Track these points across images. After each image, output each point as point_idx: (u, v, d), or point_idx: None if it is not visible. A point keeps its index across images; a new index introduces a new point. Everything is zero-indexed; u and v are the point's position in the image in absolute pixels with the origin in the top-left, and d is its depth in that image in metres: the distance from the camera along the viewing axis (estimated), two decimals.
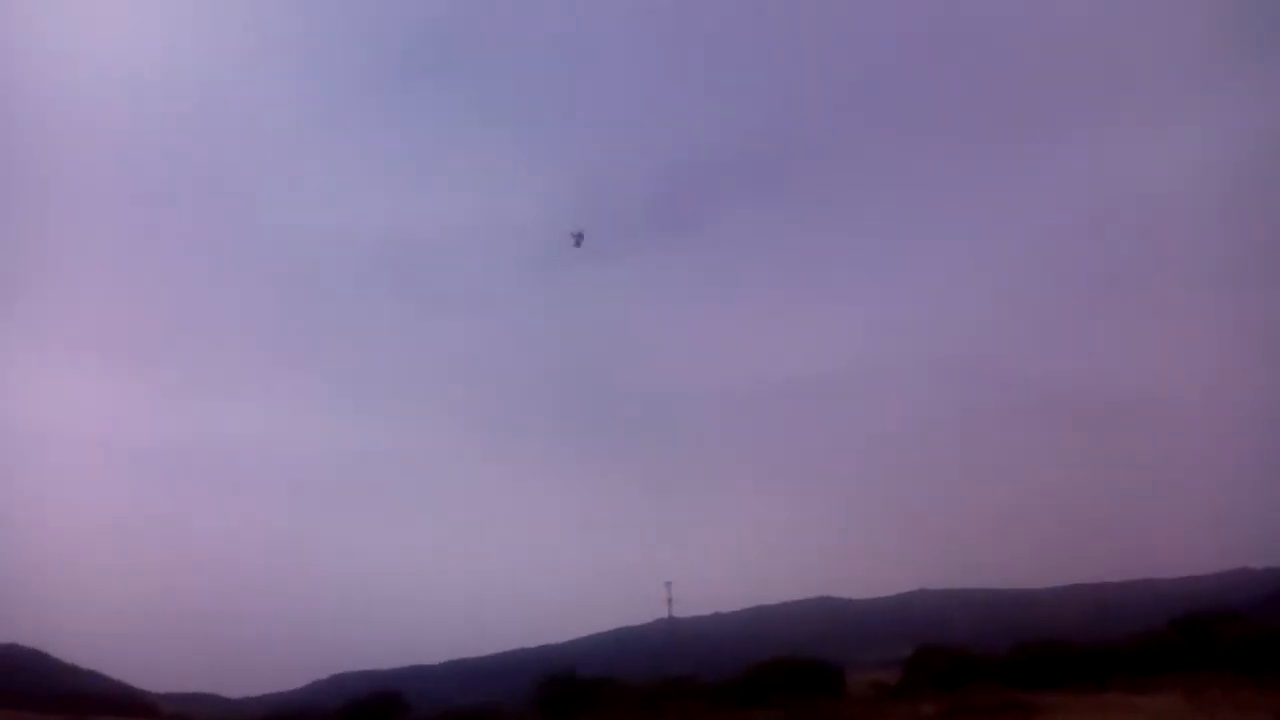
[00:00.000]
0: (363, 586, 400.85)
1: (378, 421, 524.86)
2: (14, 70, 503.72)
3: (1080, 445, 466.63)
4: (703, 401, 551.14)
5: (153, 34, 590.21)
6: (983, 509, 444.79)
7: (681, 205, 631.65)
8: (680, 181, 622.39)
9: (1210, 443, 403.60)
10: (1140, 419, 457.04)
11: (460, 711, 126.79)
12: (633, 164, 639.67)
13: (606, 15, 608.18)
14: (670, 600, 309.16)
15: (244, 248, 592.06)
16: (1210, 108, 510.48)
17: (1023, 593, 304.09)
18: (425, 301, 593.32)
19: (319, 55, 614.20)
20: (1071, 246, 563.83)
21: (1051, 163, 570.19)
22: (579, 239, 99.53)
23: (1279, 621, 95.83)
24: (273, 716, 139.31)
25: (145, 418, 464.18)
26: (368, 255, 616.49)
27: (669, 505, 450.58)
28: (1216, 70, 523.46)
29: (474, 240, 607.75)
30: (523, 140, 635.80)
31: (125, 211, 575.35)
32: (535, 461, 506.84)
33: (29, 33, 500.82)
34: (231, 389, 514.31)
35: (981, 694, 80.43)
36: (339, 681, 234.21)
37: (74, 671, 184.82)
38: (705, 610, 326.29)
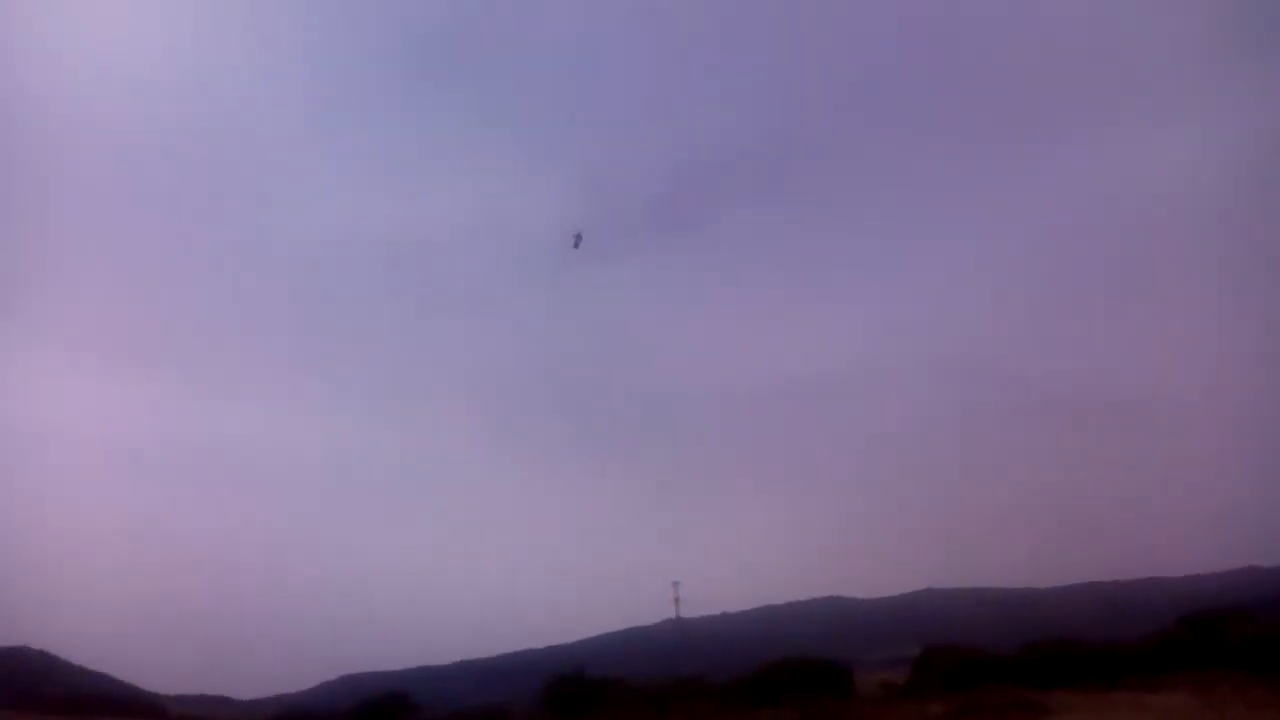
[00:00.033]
0: (371, 587, 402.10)
1: (385, 422, 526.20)
2: (20, 69, 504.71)
3: (1087, 443, 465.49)
4: (709, 401, 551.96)
5: (157, 34, 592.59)
6: (990, 507, 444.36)
7: (684, 206, 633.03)
8: (683, 182, 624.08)
9: (1217, 440, 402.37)
10: (1147, 417, 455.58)
11: (469, 712, 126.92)
12: (636, 164, 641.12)
13: (609, 16, 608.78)
14: (678, 600, 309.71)
15: (247, 248, 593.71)
16: (1211, 108, 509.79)
17: (1031, 591, 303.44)
18: (430, 302, 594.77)
19: (323, 55, 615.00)
20: (1074, 246, 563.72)
21: (1052, 162, 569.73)
22: (578, 240, 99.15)
23: None
24: (282, 717, 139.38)
25: (152, 419, 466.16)
26: (371, 255, 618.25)
27: (676, 505, 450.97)
28: (1217, 70, 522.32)
29: (477, 240, 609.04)
30: (526, 140, 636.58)
31: (129, 211, 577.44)
32: (543, 462, 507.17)
33: (33, 31, 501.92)
34: (240, 390, 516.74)
35: (990, 693, 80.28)
36: (348, 682, 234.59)
37: (82, 673, 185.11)
38: (713, 610, 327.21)
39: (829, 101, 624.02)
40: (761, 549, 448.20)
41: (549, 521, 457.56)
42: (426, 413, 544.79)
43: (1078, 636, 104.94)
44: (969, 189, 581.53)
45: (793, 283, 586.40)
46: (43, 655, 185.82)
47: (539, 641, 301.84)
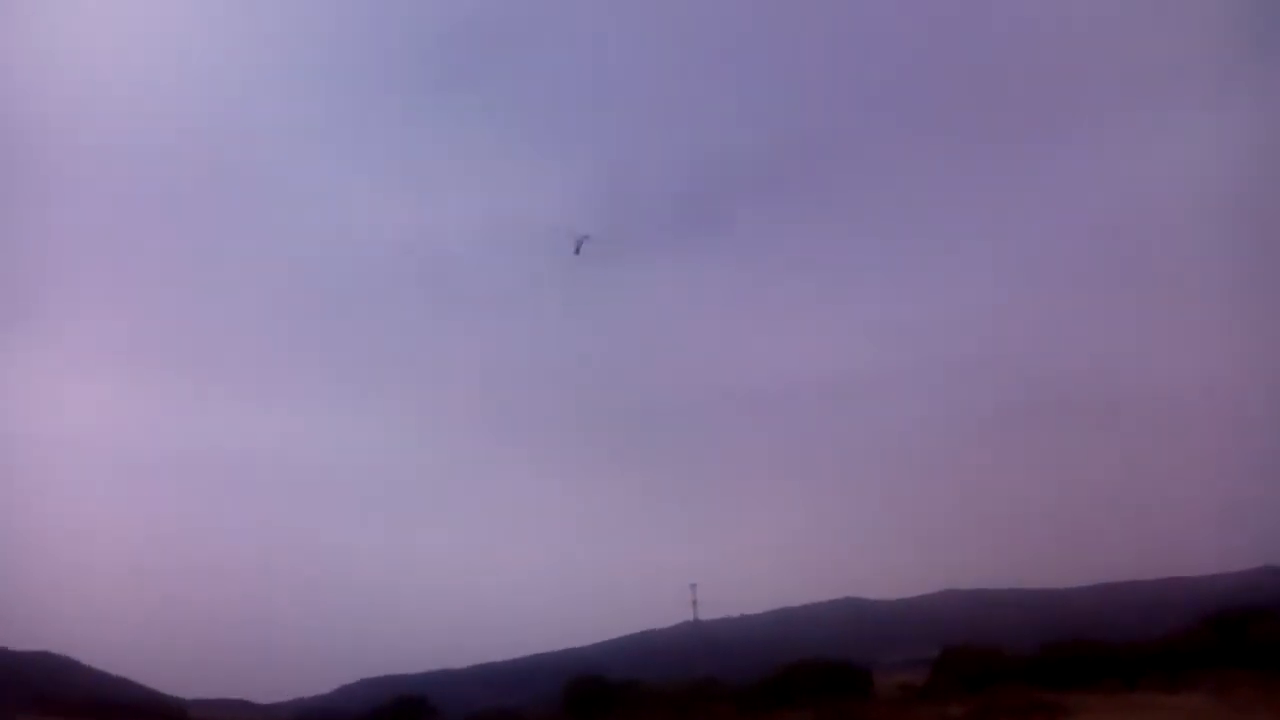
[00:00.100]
0: (389, 591, 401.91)
1: (402, 425, 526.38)
2: (37, 73, 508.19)
3: (1106, 443, 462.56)
4: (725, 402, 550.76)
5: (176, 40, 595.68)
6: (1009, 508, 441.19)
7: (702, 208, 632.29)
8: (700, 184, 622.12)
9: (1236, 440, 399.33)
10: (1166, 416, 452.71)
11: (487, 715, 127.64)
12: (654, 166, 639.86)
13: (627, 19, 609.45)
14: (695, 603, 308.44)
15: (262, 252, 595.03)
16: (1217, 106, 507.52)
17: (1050, 592, 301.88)
18: (448, 304, 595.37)
19: (341, 59, 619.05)
20: (1096, 244, 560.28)
21: (1062, 164, 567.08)
22: (579, 246, 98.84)
23: None
24: None
25: (173, 425, 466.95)
26: (389, 259, 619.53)
27: (693, 507, 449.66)
28: (1223, 68, 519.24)
29: (494, 242, 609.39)
30: (545, 142, 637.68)
31: (144, 216, 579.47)
32: (560, 465, 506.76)
33: (49, 34, 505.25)
34: (261, 395, 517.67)
35: (1009, 695, 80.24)
36: (367, 686, 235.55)
37: (104, 678, 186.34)
38: (730, 613, 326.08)
39: (844, 103, 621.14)
40: (779, 551, 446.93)
41: (566, 524, 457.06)
42: (444, 416, 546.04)
43: (1097, 637, 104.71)
44: (994, 189, 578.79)
45: (811, 283, 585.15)
46: (65, 660, 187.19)
47: (556, 645, 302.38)
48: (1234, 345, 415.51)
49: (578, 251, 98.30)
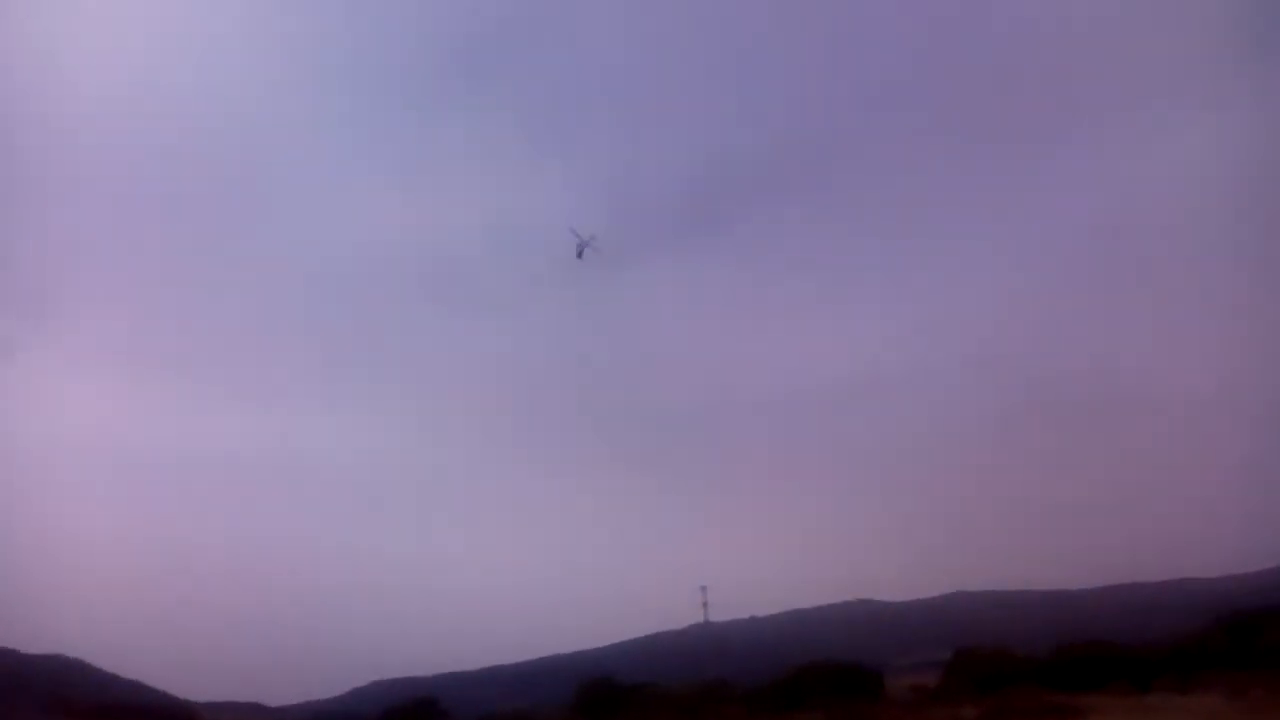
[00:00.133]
0: (401, 593, 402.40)
1: (413, 428, 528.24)
2: (47, 73, 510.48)
3: (1119, 444, 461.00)
4: (736, 404, 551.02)
5: (178, 39, 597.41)
6: (1021, 509, 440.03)
7: (713, 208, 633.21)
8: (710, 183, 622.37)
9: (1250, 440, 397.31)
10: (1180, 417, 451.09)
11: (498, 717, 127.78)
12: (661, 167, 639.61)
13: (634, 20, 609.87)
14: (706, 605, 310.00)
15: (270, 255, 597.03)
16: (1227, 105, 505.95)
17: (1062, 594, 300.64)
18: (456, 307, 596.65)
19: (345, 59, 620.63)
20: (1099, 243, 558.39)
21: (1073, 162, 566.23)
22: (581, 250, 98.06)
23: None
24: None
25: (177, 425, 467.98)
26: (397, 261, 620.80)
27: (704, 509, 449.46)
28: (1224, 68, 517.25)
29: (502, 245, 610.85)
30: (552, 144, 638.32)
31: (145, 216, 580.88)
32: (571, 467, 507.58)
33: (48, 36, 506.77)
34: (271, 397, 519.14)
35: (1021, 696, 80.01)
36: (379, 688, 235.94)
37: (116, 681, 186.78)
38: (741, 614, 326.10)
39: (845, 104, 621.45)
40: (790, 552, 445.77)
41: (577, 526, 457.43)
42: (454, 418, 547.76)
43: (1109, 639, 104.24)
44: (1005, 188, 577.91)
45: (819, 285, 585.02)
46: (76, 662, 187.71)
47: (567, 647, 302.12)
48: (1244, 344, 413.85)
49: (580, 255, 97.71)
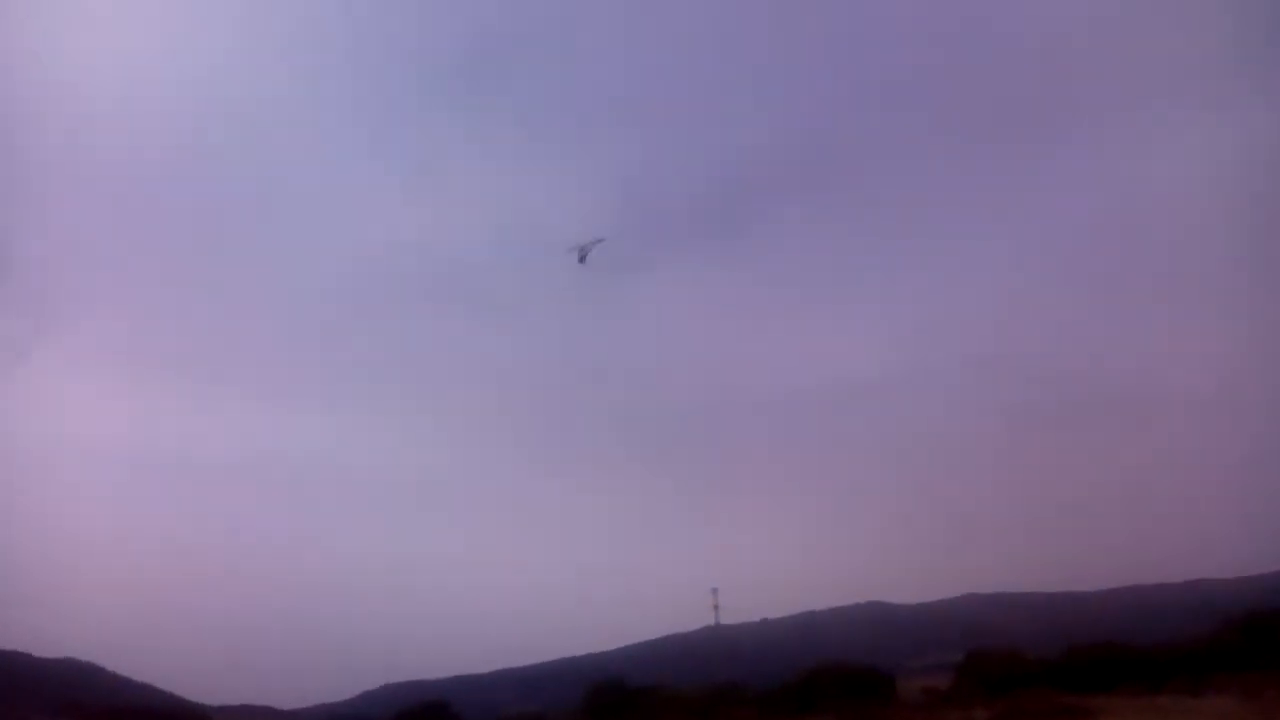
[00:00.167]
0: (411, 596, 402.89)
1: (422, 430, 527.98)
2: (41, 74, 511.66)
3: (1130, 444, 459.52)
4: (745, 405, 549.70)
5: (181, 39, 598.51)
6: (1032, 510, 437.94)
7: (722, 210, 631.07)
8: (721, 185, 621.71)
9: (1263, 440, 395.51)
10: (1191, 417, 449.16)
11: (508, 719, 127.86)
12: (670, 169, 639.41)
13: (643, 23, 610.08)
14: (717, 607, 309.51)
15: (270, 253, 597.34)
16: (1234, 105, 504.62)
17: (1074, 595, 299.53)
18: (465, 309, 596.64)
19: (352, 60, 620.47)
20: (1113, 242, 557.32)
21: (1074, 161, 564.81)
22: (583, 255, 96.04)
23: None
24: None
25: (194, 430, 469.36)
26: (405, 263, 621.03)
27: (714, 511, 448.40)
28: (1225, 68, 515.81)
29: (512, 247, 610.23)
30: (562, 146, 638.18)
31: (157, 220, 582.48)
32: (581, 468, 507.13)
33: (48, 36, 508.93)
34: (279, 399, 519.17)
35: (1033, 698, 79.75)
36: (390, 691, 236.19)
37: (128, 684, 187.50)
38: (752, 617, 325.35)
39: (848, 104, 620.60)
40: (801, 554, 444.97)
41: (587, 528, 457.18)
42: (464, 420, 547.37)
43: (1121, 640, 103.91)
44: (1014, 189, 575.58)
45: (829, 285, 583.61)
46: (89, 666, 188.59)
47: (578, 649, 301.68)
48: (1253, 345, 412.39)
49: (583, 260, 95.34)
